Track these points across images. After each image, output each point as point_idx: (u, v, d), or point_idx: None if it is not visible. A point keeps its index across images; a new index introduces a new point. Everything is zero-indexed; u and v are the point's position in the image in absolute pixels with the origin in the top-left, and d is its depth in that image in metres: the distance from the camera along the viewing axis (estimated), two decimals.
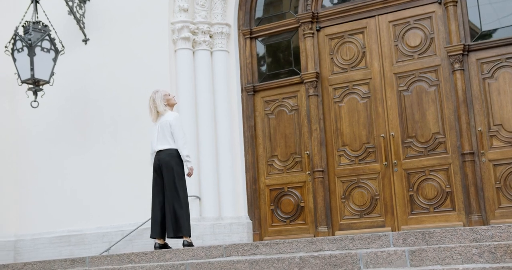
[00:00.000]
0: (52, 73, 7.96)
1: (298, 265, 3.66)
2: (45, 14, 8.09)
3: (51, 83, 8.02)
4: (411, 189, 7.31)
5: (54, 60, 7.89)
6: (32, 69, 7.60)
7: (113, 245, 7.91)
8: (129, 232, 7.87)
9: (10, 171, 8.79)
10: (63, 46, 8.09)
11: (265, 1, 8.60)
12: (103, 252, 7.95)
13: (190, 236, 6.04)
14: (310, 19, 8.07)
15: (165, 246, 6.16)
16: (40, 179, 8.71)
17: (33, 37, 7.63)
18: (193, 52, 8.30)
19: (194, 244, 6.51)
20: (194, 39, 8.26)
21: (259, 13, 8.63)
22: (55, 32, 8.15)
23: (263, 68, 8.53)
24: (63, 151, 8.62)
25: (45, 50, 7.73)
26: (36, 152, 8.81)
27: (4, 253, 8.58)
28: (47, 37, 7.76)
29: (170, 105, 6.53)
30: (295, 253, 3.94)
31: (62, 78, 8.64)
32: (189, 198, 7.69)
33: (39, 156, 8.78)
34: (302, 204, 7.92)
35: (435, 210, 7.18)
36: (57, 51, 7.91)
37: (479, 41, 7.17)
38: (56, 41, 8.10)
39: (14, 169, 8.80)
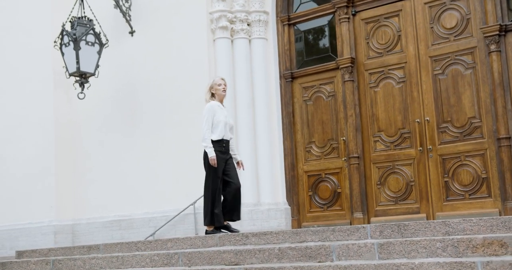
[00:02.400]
0: (97, 66, 8.35)
1: (277, 256, 3.74)
2: (90, 9, 8.47)
3: (96, 76, 8.43)
4: (446, 175, 7.15)
5: (99, 53, 8.27)
6: (77, 62, 8.02)
7: (157, 230, 8.26)
8: (172, 217, 8.18)
9: (68, 159, 9.33)
10: (107, 39, 8.45)
11: None
12: (148, 236, 8.33)
13: (209, 225, 6.21)
14: (346, 4, 7.99)
15: (226, 227, 6.27)
16: (93, 166, 9.21)
17: (78, 31, 8.03)
18: (232, 41, 8.43)
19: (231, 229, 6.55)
20: (232, 28, 8.39)
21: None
22: (100, 26, 8.52)
23: (301, 54, 8.54)
24: (114, 140, 9.05)
25: (89, 43, 8.12)
26: (90, 141, 9.30)
27: (63, 236, 9.17)
28: (91, 31, 8.14)
29: (218, 95, 6.47)
30: (280, 243, 4.03)
31: (111, 70, 9.05)
32: None
33: (93, 144, 9.27)
34: (339, 190, 7.93)
35: (470, 197, 7.00)
36: (101, 44, 8.29)
37: None
38: (101, 35, 8.46)
39: (71, 157, 9.34)
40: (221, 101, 6.53)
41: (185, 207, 8.10)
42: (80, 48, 7.98)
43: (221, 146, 6.32)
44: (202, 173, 8.15)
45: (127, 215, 8.75)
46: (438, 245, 3.30)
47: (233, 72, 8.34)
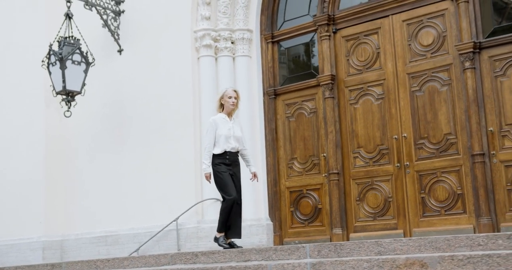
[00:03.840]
0: (84, 84, 8.51)
1: None
2: (78, 29, 8.65)
3: (82, 94, 8.58)
4: (423, 191, 7.18)
5: (85, 71, 8.43)
6: (63, 81, 8.18)
7: (141, 246, 8.35)
8: (155, 234, 8.27)
9: (58, 175, 9.47)
10: (93, 58, 8.62)
11: (287, 5, 8.70)
12: (133, 252, 8.41)
13: (215, 238, 6.25)
14: (327, 22, 8.09)
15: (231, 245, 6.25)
16: (83, 182, 9.34)
17: (64, 51, 8.20)
18: (216, 59, 8.56)
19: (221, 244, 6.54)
20: (216, 46, 8.52)
21: (281, 17, 8.74)
22: (87, 45, 8.69)
23: (284, 71, 8.64)
24: (102, 156, 9.19)
25: (76, 63, 8.28)
26: (79, 157, 9.44)
27: (52, 252, 9.28)
28: (77, 51, 8.31)
29: (226, 107, 6.43)
30: (227, 262, 4.10)
31: (100, 88, 9.22)
32: (209, 201, 8.04)
33: (82, 161, 9.41)
34: (319, 206, 7.98)
35: (446, 213, 7.02)
36: (88, 63, 8.45)
37: (491, 38, 6.91)
38: (88, 54, 8.63)
39: (61, 173, 9.48)
40: (230, 114, 6.48)
41: (168, 223, 8.18)
42: (66, 67, 8.15)
43: (225, 158, 6.33)
44: (187, 189, 8.30)
45: (114, 231, 8.86)
46: (365, 265, 3.35)
47: (217, 89, 8.44)
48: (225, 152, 6.31)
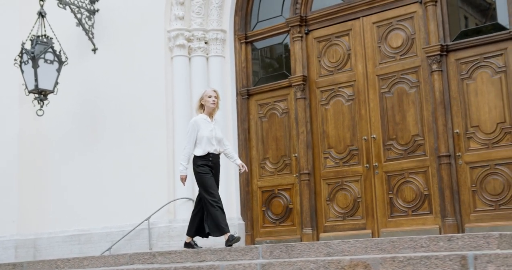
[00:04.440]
0: (57, 83, 8.50)
1: None
2: (51, 28, 8.64)
3: (55, 93, 8.58)
4: (391, 192, 7.27)
5: (58, 70, 8.43)
6: (36, 80, 8.17)
7: (113, 245, 8.37)
8: (127, 233, 8.29)
9: (32, 174, 9.46)
10: (66, 57, 8.62)
11: (261, 5, 8.74)
12: (105, 251, 8.43)
13: (226, 233, 6.10)
14: (299, 23, 8.15)
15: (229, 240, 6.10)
16: (57, 181, 9.33)
17: (36, 50, 8.19)
18: (189, 59, 8.59)
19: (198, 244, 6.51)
20: (189, 46, 8.55)
21: (255, 18, 8.78)
22: (60, 44, 8.68)
23: (258, 72, 8.69)
24: (76, 155, 9.18)
25: (48, 61, 8.28)
26: (53, 156, 9.43)
27: (24, 250, 9.27)
28: (50, 50, 8.30)
29: (207, 107, 6.33)
30: (183, 263, 4.15)
31: (75, 87, 9.22)
32: (181, 200, 8.09)
33: (56, 159, 9.40)
34: (290, 206, 8.04)
35: (413, 213, 7.11)
36: (61, 62, 8.45)
37: (458, 41, 7.01)
38: (61, 53, 8.62)
39: (35, 171, 9.47)
40: (211, 114, 6.38)
41: (140, 222, 8.20)
42: (38, 66, 8.14)
43: (207, 160, 6.23)
44: (159, 188, 8.33)
45: (87, 230, 8.86)
46: (311, 266, 3.41)
47: (190, 89, 8.49)
48: (208, 154, 6.23)
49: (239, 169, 6.57)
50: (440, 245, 3.36)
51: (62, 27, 8.99)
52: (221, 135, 6.47)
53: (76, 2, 8.96)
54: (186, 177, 6.34)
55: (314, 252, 3.84)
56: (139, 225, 8.21)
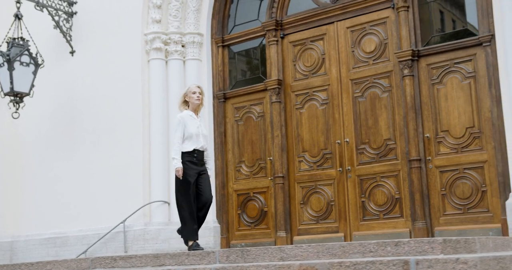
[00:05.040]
0: (33, 86, 8.51)
1: None
2: (27, 30, 8.65)
3: (31, 95, 8.58)
4: (363, 195, 7.33)
5: (34, 73, 8.44)
6: (11, 82, 8.17)
7: (89, 248, 8.37)
8: (103, 235, 8.30)
9: (9, 176, 9.46)
10: (43, 60, 8.63)
11: (238, 9, 8.79)
12: (80, 254, 8.44)
13: (193, 240, 6.05)
14: (274, 27, 8.20)
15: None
16: (34, 183, 9.33)
17: (12, 52, 8.20)
18: (166, 62, 8.62)
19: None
20: (166, 49, 8.58)
21: (232, 21, 8.83)
22: (36, 46, 8.68)
23: (234, 75, 8.74)
24: (53, 157, 9.19)
25: (24, 64, 8.28)
26: (31, 158, 9.43)
27: (2, 253, 9.26)
28: (26, 52, 8.30)
29: (192, 103, 6.29)
30: (143, 267, 4.19)
31: (53, 89, 9.23)
32: (157, 203, 8.11)
33: (33, 161, 9.40)
34: (265, 209, 8.09)
35: (384, 217, 7.17)
36: (37, 65, 8.45)
37: (429, 46, 7.08)
38: (38, 55, 8.63)
39: (12, 174, 9.47)
40: (195, 111, 6.34)
41: (116, 224, 8.22)
42: (14, 68, 8.15)
43: (193, 156, 6.17)
44: (135, 191, 8.36)
45: (63, 232, 8.87)
46: None
47: (167, 92, 8.53)
48: (194, 150, 6.16)
49: None
50: (388, 250, 3.42)
51: (39, 29, 9.00)
52: (207, 132, 6.45)
53: (53, 5, 8.97)
54: (182, 169, 6.13)
55: (269, 256, 3.89)
56: (114, 228, 8.23)
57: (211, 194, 6.30)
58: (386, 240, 3.63)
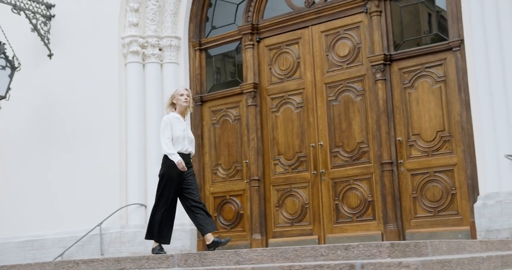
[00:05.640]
0: (9, 89, 8.52)
1: None
2: (3, 33, 8.65)
3: (7, 98, 8.59)
4: (337, 198, 7.39)
5: (11, 76, 8.44)
6: None
7: (66, 250, 8.39)
8: (79, 238, 8.32)
9: None
10: (19, 63, 8.64)
11: (215, 13, 8.84)
12: (57, 257, 8.44)
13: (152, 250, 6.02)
14: (250, 31, 8.26)
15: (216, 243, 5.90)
16: (11, 186, 9.33)
17: None
18: (143, 65, 8.65)
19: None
20: (143, 53, 8.61)
21: (209, 25, 8.88)
22: (12, 49, 8.69)
23: (212, 79, 8.78)
24: (30, 160, 9.19)
25: (0, 67, 8.28)
26: (8, 161, 9.43)
27: None
28: (2, 55, 8.30)
29: (179, 105, 6.13)
30: None
31: (30, 92, 9.25)
32: (134, 206, 8.14)
33: (11, 164, 9.40)
34: (241, 212, 8.13)
35: (357, 219, 7.24)
36: (13, 68, 8.46)
37: (400, 51, 7.16)
38: (14, 58, 8.63)
39: None
40: (183, 114, 6.17)
41: (92, 227, 8.24)
42: None
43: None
44: (111, 194, 8.38)
45: (40, 235, 8.87)
46: None
47: (144, 96, 8.56)
48: (178, 153, 5.94)
49: None
50: (338, 254, 3.48)
51: (16, 33, 9.01)
52: (192, 135, 6.31)
53: (31, 8, 8.98)
54: (182, 161, 5.91)
55: (225, 260, 3.94)
56: (91, 230, 8.25)
57: (198, 195, 6.16)
58: (336, 244, 3.68)
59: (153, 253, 5.85)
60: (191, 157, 6.20)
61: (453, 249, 3.90)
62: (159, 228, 5.92)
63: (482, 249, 4.42)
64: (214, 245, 5.85)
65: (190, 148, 6.13)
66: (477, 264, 3.36)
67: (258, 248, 4.01)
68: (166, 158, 6.02)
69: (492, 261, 3.59)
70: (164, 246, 6.14)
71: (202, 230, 6.02)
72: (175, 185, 5.96)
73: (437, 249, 3.66)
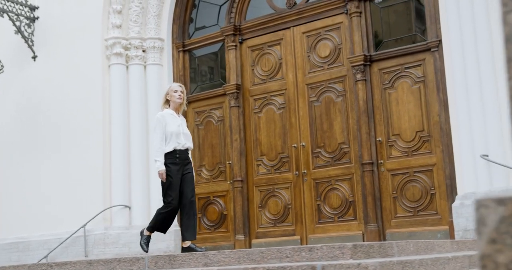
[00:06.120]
0: None
1: None
2: None
3: None
4: (318, 198, 7.43)
5: None
6: None
7: (50, 252, 8.40)
8: (64, 240, 8.33)
9: None
10: (2, 66, 8.65)
11: (198, 14, 8.86)
12: (42, 258, 8.45)
13: (140, 232, 6.17)
14: (233, 32, 8.28)
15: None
16: None
17: None
18: (127, 67, 8.67)
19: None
20: (127, 54, 8.63)
21: (192, 26, 8.90)
22: None
23: (195, 80, 8.81)
24: (15, 162, 9.20)
25: None
26: None
27: None
28: None
29: (173, 102, 6.07)
30: None
31: (15, 94, 9.25)
32: (118, 207, 8.16)
33: None
34: (225, 213, 8.16)
35: (339, 220, 7.27)
36: None
37: (380, 51, 7.20)
38: None
39: None
40: (177, 110, 6.11)
41: (77, 229, 8.26)
42: None
43: (174, 157, 5.91)
44: (95, 196, 8.40)
45: (25, 237, 8.88)
46: None
47: (127, 97, 8.58)
48: (175, 150, 5.90)
49: None
50: (303, 255, 3.51)
51: (1, 34, 9.01)
52: (188, 131, 6.25)
53: (14, 10, 8.98)
54: (165, 171, 5.89)
55: (194, 262, 3.97)
56: (75, 232, 8.26)
57: (193, 194, 6.13)
58: (301, 246, 3.72)
59: (140, 239, 5.94)
60: (189, 151, 6.15)
61: (421, 249, 3.93)
62: (162, 224, 6.01)
63: (452, 249, 4.46)
64: (188, 250, 5.88)
65: (187, 143, 6.07)
66: (441, 264, 3.40)
67: (225, 251, 4.04)
68: (165, 156, 5.97)
69: (458, 261, 3.62)
70: (149, 246, 6.23)
71: (182, 235, 6.14)
72: (175, 182, 5.94)
73: (403, 250, 3.69)
